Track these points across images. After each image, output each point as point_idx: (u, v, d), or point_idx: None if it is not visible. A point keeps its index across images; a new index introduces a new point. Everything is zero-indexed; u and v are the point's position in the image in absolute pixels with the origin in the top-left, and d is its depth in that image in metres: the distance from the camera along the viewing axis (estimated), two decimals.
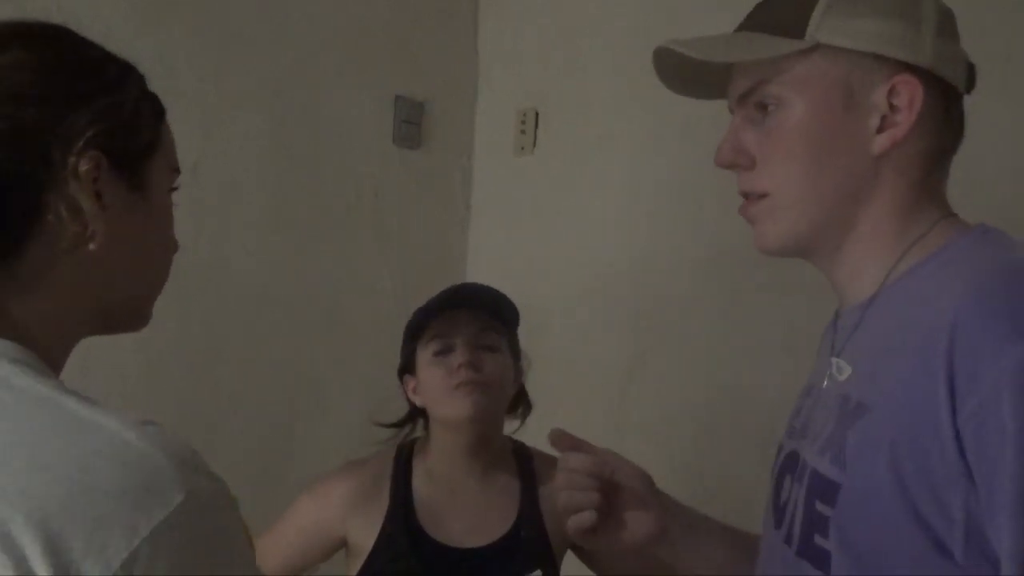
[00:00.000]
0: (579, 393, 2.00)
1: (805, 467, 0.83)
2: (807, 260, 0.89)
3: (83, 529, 0.56)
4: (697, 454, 1.81)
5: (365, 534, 1.33)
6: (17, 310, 0.68)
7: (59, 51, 0.73)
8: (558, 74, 2.21)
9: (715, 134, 0.90)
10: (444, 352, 1.34)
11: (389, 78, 2.26)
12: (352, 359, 2.14)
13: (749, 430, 1.68)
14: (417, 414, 1.41)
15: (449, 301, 1.37)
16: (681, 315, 1.88)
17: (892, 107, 0.81)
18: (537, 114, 2.26)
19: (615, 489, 0.98)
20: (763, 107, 0.85)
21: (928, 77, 0.81)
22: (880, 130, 0.82)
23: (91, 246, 0.70)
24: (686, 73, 0.91)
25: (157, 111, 0.78)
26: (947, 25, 0.84)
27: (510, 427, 1.46)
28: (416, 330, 1.38)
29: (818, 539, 0.79)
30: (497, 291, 1.39)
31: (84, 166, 0.69)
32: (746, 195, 0.88)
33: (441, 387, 1.32)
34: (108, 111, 0.72)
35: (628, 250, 2.01)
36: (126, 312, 0.78)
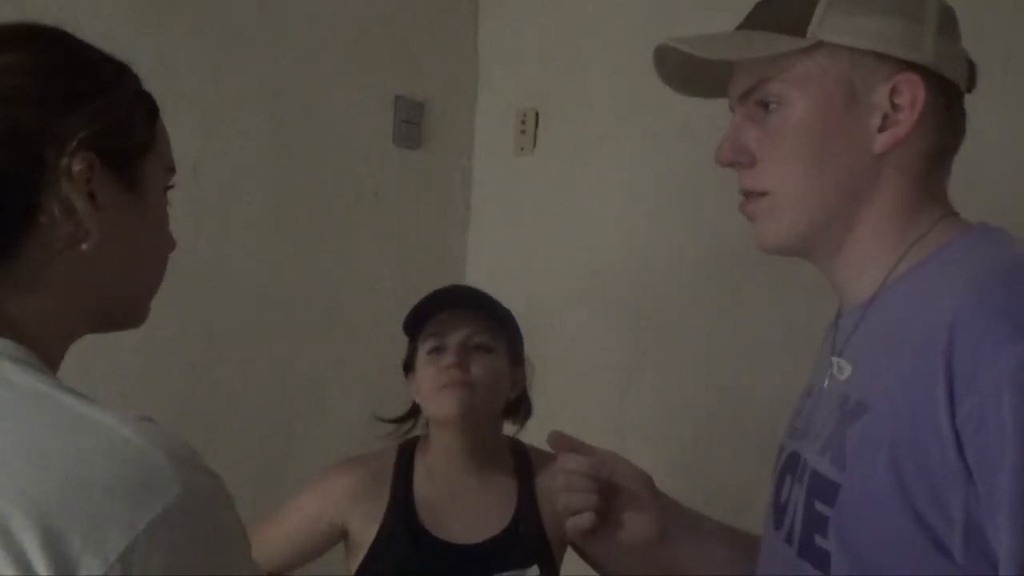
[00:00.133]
0: (579, 393, 2.00)
1: (805, 467, 0.83)
2: (807, 260, 0.89)
3: (81, 524, 0.56)
4: (697, 454, 1.81)
5: (365, 529, 1.34)
6: (14, 309, 0.69)
7: (56, 53, 0.74)
8: (558, 74, 2.21)
9: (715, 134, 0.90)
10: (437, 351, 1.36)
11: (389, 78, 2.26)
12: (352, 359, 2.14)
13: (749, 430, 1.68)
14: (418, 410, 1.43)
15: (446, 300, 1.39)
16: (681, 315, 1.88)
17: (894, 106, 0.81)
18: (537, 114, 2.26)
19: (614, 490, 0.98)
20: (764, 105, 0.85)
21: (930, 76, 0.81)
22: (881, 129, 0.82)
23: (84, 246, 0.70)
24: (687, 71, 0.91)
25: (151, 110, 0.79)
26: (949, 24, 0.84)
27: (509, 431, 1.46)
28: (414, 328, 1.39)
29: (818, 539, 0.79)
30: (491, 296, 1.41)
31: (77, 167, 0.69)
32: (746, 193, 0.88)
33: (431, 386, 1.34)
34: (102, 112, 0.72)
35: (628, 250, 2.01)
36: (123, 310, 0.79)
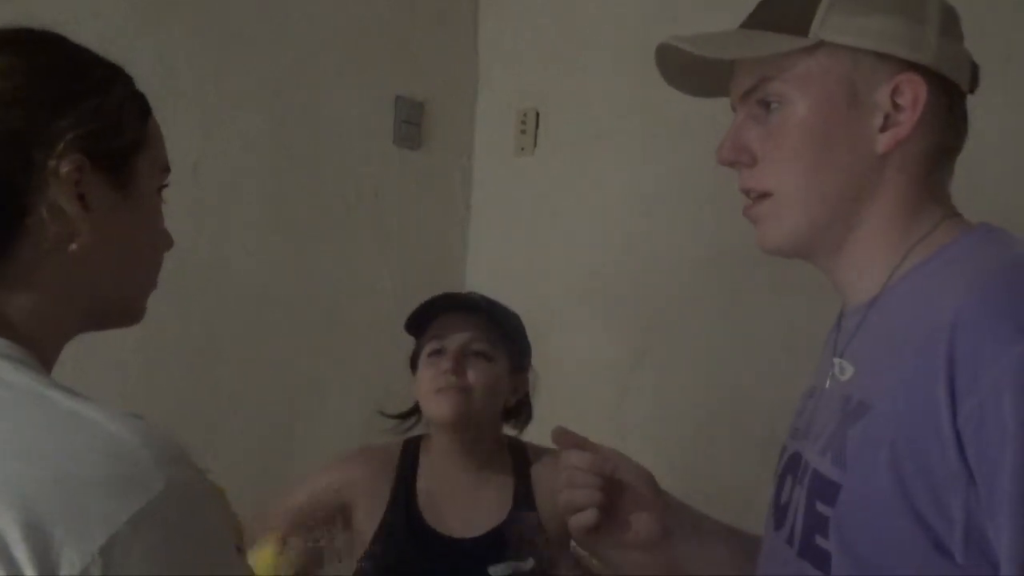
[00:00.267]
0: (579, 393, 1.99)
1: (807, 468, 0.83)
2: (809, 261, 0.89)
3: (63, 517, 0.57)
4: (697, 454, 1.81)
5: (368, 519, 1.37)
6: (8, 308, 0.70)
7: (46, 56, 0.74)
8: (558, 74, 2.21)
9: (715, 134, 0.90)
10: (437, 354, 1.38)
11: (389, 78, 2.26)
12: (352, 359, 2.14)
13: (749, 430, 1.68)
14: (420, 408, 1.45)
15: (450, 302, 1.41)
16: (681, 315, 1.88)
17: (896, 106, 0.81)
18: (537, 114, 2.26)
19: (617, 488, 0.97)
20: (766, 105, 0.85)
21: (932, 76, 0.81)
22: (883, 129, 0.81)
23: (73, 246, 0.71)
24: (688, 70, 0.91)
25: (143, 110, 0.79)
26: (951, 24, 0.84)
27: (509, 433, 1.48)
28: (416, 327, 1.42)
29: (819, 540, 0.79)
30: (499, 303, 1.43)
31: (65, 168, 0.70)
32: (747, 193, 0.88)
33: (428, 388, 1.38)
34: (91, 113, 0.73)
35: (628, 250, 2.01)
36: (117, 309, 0.79)
